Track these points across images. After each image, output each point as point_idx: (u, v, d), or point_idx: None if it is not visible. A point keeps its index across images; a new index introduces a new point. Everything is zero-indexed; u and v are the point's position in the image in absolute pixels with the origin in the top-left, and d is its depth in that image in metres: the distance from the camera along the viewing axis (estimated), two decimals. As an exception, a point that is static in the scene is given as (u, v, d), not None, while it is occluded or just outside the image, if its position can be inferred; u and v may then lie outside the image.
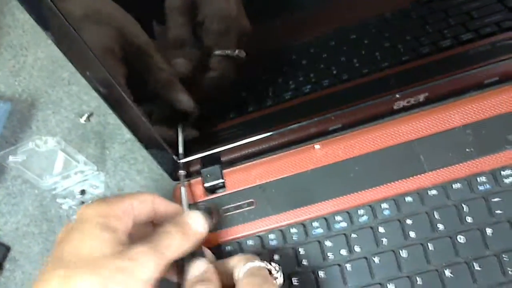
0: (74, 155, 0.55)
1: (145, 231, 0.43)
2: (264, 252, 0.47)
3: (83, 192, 0.57)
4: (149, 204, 0.41)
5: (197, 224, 0.41)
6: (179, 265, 0.41)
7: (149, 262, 0.36)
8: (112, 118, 0.58)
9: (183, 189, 0.47)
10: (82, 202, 0.57)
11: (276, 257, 0.46)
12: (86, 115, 0.58)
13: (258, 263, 0.39)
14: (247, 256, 0.41)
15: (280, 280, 0.40)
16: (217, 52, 0.41)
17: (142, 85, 0.43)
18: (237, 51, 0.41)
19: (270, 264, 0.40)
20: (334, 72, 0.45)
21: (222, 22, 0.39)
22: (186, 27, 0.39)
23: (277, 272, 0.40)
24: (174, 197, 0.51)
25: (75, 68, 0.38)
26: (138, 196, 0.41)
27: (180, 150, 0.47)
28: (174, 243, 0.38)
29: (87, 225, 0.37)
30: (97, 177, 0.57)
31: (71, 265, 0.35)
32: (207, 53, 0.41)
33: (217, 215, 0.49)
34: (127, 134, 0.57)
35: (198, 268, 0.40)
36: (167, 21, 0.38)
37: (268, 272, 0.39)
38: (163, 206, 0.42)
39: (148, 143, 0.46)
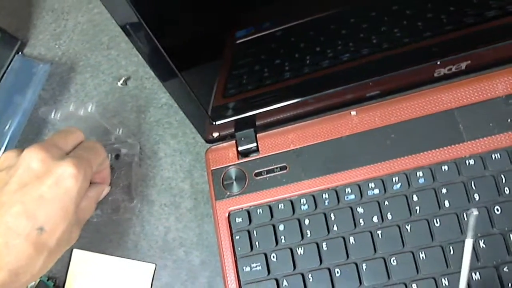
0: (111, 118, 0.60)
1: None
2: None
3: (117, 156, 0.61)
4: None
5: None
6: None
7: None
8: (149, 83, 0.62)
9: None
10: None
11: (306, 221, 0.49)
12: (123, 79, 0.62)
13: None
14: None
15: None
16: None
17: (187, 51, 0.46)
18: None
19: None
20: (374, 41, 0.47)
21: None
22: None
23: None
24: (206, 160, 0.54)
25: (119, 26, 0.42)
26: (101, 155, 0.51)
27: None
28: None
29: (68, 202, 0.45)
30: (132, 140, 0.61)
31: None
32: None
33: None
34: (163, 99, 0.61)
35: None
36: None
37: None
38: None
39: (185, 104, 0.50)
